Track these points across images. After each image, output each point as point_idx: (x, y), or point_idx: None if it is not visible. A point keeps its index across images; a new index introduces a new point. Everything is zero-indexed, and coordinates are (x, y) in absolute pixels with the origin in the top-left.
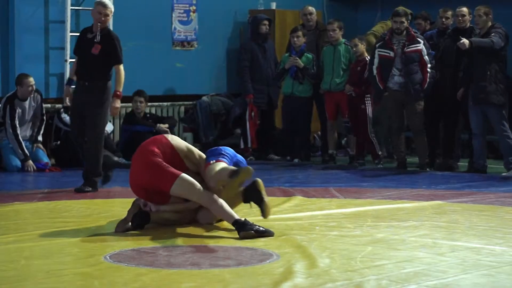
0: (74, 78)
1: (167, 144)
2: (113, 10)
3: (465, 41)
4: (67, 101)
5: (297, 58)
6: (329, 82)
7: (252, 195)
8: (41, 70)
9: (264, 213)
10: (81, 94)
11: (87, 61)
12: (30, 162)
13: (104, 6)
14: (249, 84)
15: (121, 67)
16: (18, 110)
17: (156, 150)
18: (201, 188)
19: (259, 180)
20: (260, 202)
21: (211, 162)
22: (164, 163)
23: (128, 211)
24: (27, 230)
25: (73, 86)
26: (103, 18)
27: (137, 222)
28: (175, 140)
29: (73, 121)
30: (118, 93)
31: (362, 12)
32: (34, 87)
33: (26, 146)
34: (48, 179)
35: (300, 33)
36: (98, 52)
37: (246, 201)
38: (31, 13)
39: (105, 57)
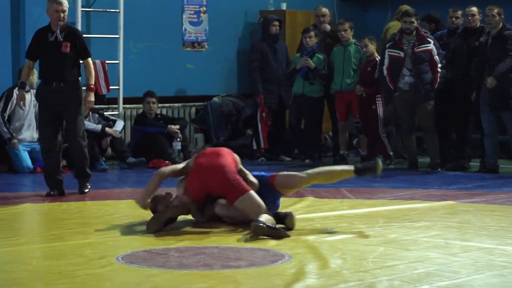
0: (38, 81)
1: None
2: (68, 5)
3: (490, 82)
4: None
5: (308, 58)
6: (339, 83)
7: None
8: None
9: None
10: (54, 96)
11: (58, 61)
12: (15, 140)
13: (60, 3)
14: (259, 84)
15: (90, 60)
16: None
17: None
18: (263, 205)
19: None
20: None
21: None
22: (238, 176)
23: (158, 211)
24: (38, 231)
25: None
26: (62, 15)
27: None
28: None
29: (47, 126)
30: (91, 86)
31: (372, 12)
32: None
33: (34, 148)
34: None
35: (312, 33)
36: (69, 50)
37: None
38: (40, 14)
39: (74, 54)
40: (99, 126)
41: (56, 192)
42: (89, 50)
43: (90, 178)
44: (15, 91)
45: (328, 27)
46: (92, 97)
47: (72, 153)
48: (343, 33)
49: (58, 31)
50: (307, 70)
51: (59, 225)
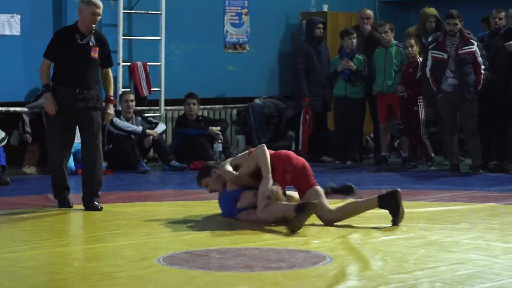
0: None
1: None
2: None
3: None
4: (54, 110)
5: (349, 60)
6: (381, 84)
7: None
8: None
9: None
10: (76, 103)
11: (85, 66)
12: None
13: (98, 6)
14: (305, 87)
15: (110, 70)
16: None
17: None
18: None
19: (399, 191)
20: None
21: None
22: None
23: None
24: (80, 233)
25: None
26: (97, 19)
27: None
28: None
29: (66, 134)
30: (112, 98)
31: (414, 13)
32: None
33: (77, 147)
34: None
35: (354, 35)
36: (98, 55)
37: (382, 207)
38: None
39: (100, 60)
40: (140, 128)
41: (68, 204)
42: (112, 59)
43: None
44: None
45: (368, 27)
46: (112, 110)
47: (89, 166)
48: (383, 35)
49: (89, 35)
50: (350, 73)
51: (100, 227)
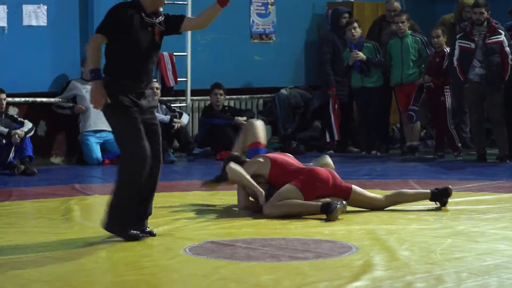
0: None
1: None
2: None
3: None
4: (104, 101)
5: (358, 52)
6: (399, 75)
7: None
8: None
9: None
10: (141, 101)
11: (149, 54)
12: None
13: None
14: (331, 77)
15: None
16: (81, 88)
17: None
18: None
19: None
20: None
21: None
22: None
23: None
24: None
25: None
26: (166, 2)
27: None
28: None
29: (143, 136)
30: None
31: (440, 3)
32: None
33: (108, 140)
34: None
35: (355, 24)
36: (159, 39)
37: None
38: (110, 4)
39: (166, 33)
40: (168, 117)
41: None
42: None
43: None
44: (79, 80)
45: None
46: None
47: (153, 181)
48: (400, 25)
49: (156, 17)
50: (361, 64)
51: None
